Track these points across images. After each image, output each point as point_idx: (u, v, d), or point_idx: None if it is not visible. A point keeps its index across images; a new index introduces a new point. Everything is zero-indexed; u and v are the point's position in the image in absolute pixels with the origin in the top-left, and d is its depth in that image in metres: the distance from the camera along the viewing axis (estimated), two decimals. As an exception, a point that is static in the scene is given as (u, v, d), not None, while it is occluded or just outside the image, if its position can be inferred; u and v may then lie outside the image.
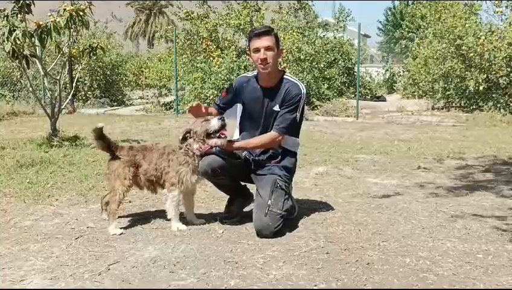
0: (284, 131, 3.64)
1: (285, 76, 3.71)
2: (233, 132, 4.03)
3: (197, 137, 3.55)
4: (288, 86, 3.63)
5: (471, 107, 12.84)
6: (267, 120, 3.71)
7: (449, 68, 12.99)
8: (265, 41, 3.55)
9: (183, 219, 3.74)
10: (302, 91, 3.64)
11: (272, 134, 3.65)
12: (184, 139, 3.61)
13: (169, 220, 3.65)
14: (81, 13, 7.00)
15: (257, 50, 3.57)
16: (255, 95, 3.72)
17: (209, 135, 3.53)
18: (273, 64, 3.60)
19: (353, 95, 15.07)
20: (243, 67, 12.92)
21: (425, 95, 14.60)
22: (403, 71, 17.91)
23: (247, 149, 3.75)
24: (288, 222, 3.66)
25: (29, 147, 7.15)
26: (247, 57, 12.92)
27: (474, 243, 3.34)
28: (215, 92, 12.69)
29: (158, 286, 2.70)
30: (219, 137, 3.53)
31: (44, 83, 8.47)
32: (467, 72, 12.66)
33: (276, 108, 3.65)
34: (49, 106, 8.05)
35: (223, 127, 3.53)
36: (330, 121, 11.19)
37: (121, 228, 3.60)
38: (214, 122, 3.53)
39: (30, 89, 8.80)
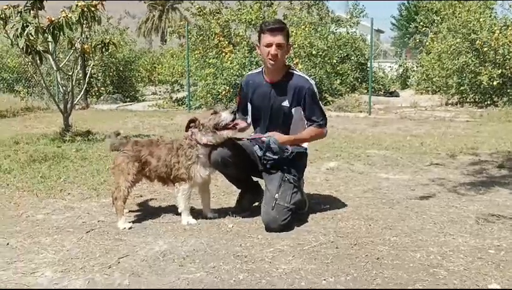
0: (325, 121, 3.71)
1: (290, 70, 3.70)
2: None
3: (204, 129, 3.54)
4: (296, 82, 3.62)
5: (486, 103, 12.69)
6: (273, 115, 3.70)
7: (463, 63, 12.84)
8: (278, 38, 3.53)
9: (193, 213, 3.75)
10: (312, 82, 3.65)
11: (317, 129, 3.68)
12: (188, 128, 3.61)
13: (179, 214, 3.66)
14: (92, 9, 7.03)
15: (269, 45, 3.56)
16: (262, 91, 3.72)
17: (219, 128, 3.52)
18: (282, 60, 3.60)
19: (366, 91, 14.96)
20: (254, 63, 12.89)
21: (439, 91, 14.47)
22: (417, 66, 17.74)
23: (296, 142, 3.74)
24: (298, 216, 3.66)
25: (43, 142, 7.23)
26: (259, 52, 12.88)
27: (486, 239, 3.30)
28: (227, 87, 12.69)
29: (168, 280, 2.72)
30: (231, 128, 3.53)
31: (57, 79, 8.52)
32: (481, 67, 12.51)
33: (286, 104, 3.64)
34: (62, 102, 8.12)
35: (233, 120, 3.53)
36: (342, 117, 11.13)
37: (131, 222, 3.62)
38: (226, 115, 3.51)
39: (43, 85, 8.86)
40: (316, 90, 3.65)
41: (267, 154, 3.69)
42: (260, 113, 3.77)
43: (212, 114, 3.55)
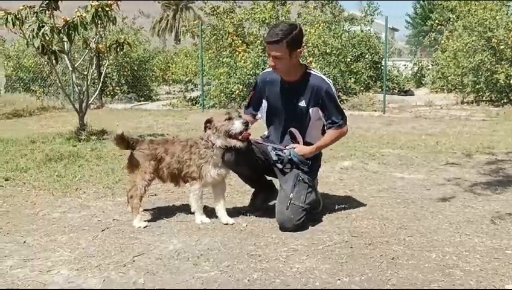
0: (345, 120, 3.72)
1: (308, 70, 3.69)
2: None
3: (217, 132, 3.54)
4: (314, 82, 3.61)
5: (502, 101, 12.53)
6: (289, 115, 3.70)
7: (479, 61, 12.69)
8: (274, 50, 3.50)
9: (207, 211, 3.76)
10: (329, 82, 3.64)
11: (338, 130, 3.69)
12: (205, 128, 3.62)
13: (193, 213, 3.68)
14: (107, 9, 7.08)
15: (269, 55, 3.58)
16: (278, 90, 3.71)
17: (230, 135, 3.52)
18: (284, 69, 3.59)
19: (380, 89, 14.86)
20: (268, 62, 12.89)
21: (454, 89, 14.31)
22: (432, 65, 17.57)
23: (319, 150, 3.76)
24: (312, 216, 3.66)
25: (58, 141, 7.31)
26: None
27: (503, 239, 3.27)
28: (241, 86, 12.70)
29: (182, 278, 2.73)
30: (241, 140, 3.50)
31: (72, 79, 8.60)
32: (497, 65, 12.35)
33: (302, 104, 3.63)
34: (77, 101, 8.19)
35: (244, 131, 3.50)
36: (356, 116, 11.08)
37: (146, 221, 3.65)
38: (237, 126, 3.48)
39: (59, 84, 8.96)
40: (334, 90, 3.64)
41: (286, 166, 3.67)
42: (276, 111, 3.76)
43: (226, 119, 3.52)
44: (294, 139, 3.71)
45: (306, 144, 3.70)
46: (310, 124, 3.69)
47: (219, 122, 3.53)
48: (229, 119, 3.52)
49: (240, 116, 3.58)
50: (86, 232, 3.48)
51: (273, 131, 3.84)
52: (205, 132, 3.61)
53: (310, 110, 3.64)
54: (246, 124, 3.51)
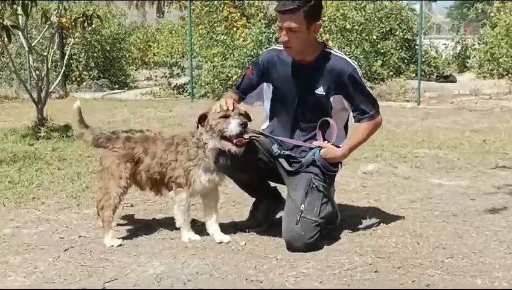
0: (378, 108, 3.73)
1: (326, 49, 3.69)
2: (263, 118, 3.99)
3: (210, 130, 3.53)
4: (334, 64, 3.61)
5: None
6: (302, 104, 3.70)
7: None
8: (288, 20, 3.49)
9: (197, 227, 3.76)
10: (354, 64, 3.65)
11: (372, 122, 3.70)
12: (199, 124, 3.62)
13: (179, 229, 3.69)
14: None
15: (280, 29, 3.57)
16: (288, 72, 3.71)
17: (224, 137, 3.50)
18: (298, 47, 3.58)
19: (414, 75, 14.87)
20: (273, 40, 12.90)
21: (506, 74, 14.31)
22: (479, 44, 17.58)
23: (353, 150, 3.79)
24: (327, 232, 3.65)
25: (11, 139, 7.33)
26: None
27: None
28: (239, 70, 12.71)
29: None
30: (235, 144, 3.47)
31: (29, 61, 8.63)
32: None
33: (320, 91, 3.64)
34: (35, 89, 8.20)
35: (241, 135, 3.48)
36: (384, 107, 11.05)
37: (120, 238, 3.66)
38: (232, 127, 3.45)
39: (12, 68, 8.96)
40: (360, 74, 3.65)
41: (309, 167, 3.67)
42: (284, 100, 3.76)
43: (221, 117, 3.50)
44: (320, 135, 3.72)
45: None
46: (333, 116, 3.70)
47: (214, 120, 3.52)
48: (225, 117, 3.49)
49: (241, 114, 3.53)
50: (45, 253, 3.48)
51: (278, 124, 3.84)
52: (197, 126, 3.62)
53: (332, 98, 3.65)
54: (244, 126, 3.47)
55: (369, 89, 3.77)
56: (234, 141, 3.47)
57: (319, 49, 3.67)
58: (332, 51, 3.70)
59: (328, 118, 3.68)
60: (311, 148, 3.68)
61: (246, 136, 3.54)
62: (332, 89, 3.63)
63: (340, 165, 3.87)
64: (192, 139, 3.61)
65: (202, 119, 3.60)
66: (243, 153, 3.51)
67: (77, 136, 3.79)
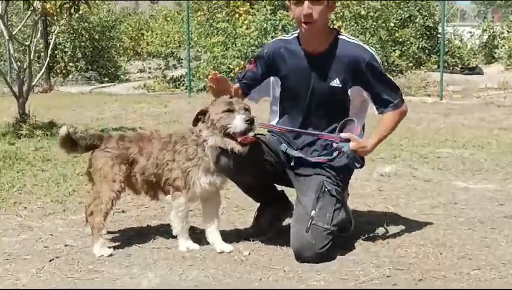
0: (402, 96, 3.74)
1: (340, 36, 3.69)
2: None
3: (212, 126, 3.52)
4: (348, 51, 3.61)
5: None
6: (316, 99, 3.70)
7: None
8: None
9: (195, 235, 3.77)
10: (371, 51, 3.65)
11: (397, 111, 3.70)
12: (196, 121, 3.61)
13: (175, 237, 3.69)
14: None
15: (299, 2, 3.56)
16: (299, 64, 3.70)
17: (227, 134, 3.48)
18: (321, 23, 3.58)
19: (435, 66, 14.86)
20: (280, 28, 12.90)
21: (539, 66, 14.28)
22: (508, 31, 17.55)
23: (381, 142, 3.77)
24: (340, 240, 3.65)
25: (-10, 138, 7.35)
26: (287, 13, 12.89)
27: None
28: (242, 62, 12.72)
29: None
30: (240, 143, 3.44)
31: (9, 51, 8.64)
32: None
33: (336, 83, 3.64)
34: (16, 83, 8.21)
35: (246, 132, 3.45)
36: (402, 103, 11.11)
37: (111, 247, 3.65)
38: (237, 123, 3.42)
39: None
40: (379, 61, 3.65)
41: (321, 169, 3.67)
42: (296, 95, 3.75)
43: (225, 111, 3.48)
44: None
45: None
46: (352, 110, 3.71)
47: (217, 115, 3.50)
48: (229, 111, 3.47)
49: (247, 110, 3.51)
50: (28, 263, 3.48)
51: (288, 122, 3.83)
52: (193, 124, 3.61)
53: (350, 90, 3.65)
54: (250, 122, 3.43)
55: (390, 77, 3.77)
56: (239, 139, 3.45)
57: (332, 36, 3.67)
58: (346, 38, 3.70)
59: (353, 118, 3.66)
60: (332, 143, 3.66)
61: (251, 133, 3.51)
62: (349, 80, 3.62)
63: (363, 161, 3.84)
64: (191, 136, 3.60)
65: (202, 114, 3.58)
66: (247, 153, 3.50)
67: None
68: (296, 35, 3.76)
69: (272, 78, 3.85)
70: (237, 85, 3.89)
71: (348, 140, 3.57)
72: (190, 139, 3.59)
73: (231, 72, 12.85)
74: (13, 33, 8.23)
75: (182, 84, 14.39)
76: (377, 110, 3.72)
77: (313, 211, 3.51)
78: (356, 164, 3.63)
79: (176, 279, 3.23)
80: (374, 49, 3.71)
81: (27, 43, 8.28)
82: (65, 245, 3.78)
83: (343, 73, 3.61)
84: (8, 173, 5.57)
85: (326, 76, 3.65)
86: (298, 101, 3.75)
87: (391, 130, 3.78)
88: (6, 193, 4.93)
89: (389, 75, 3.76)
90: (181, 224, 3.64)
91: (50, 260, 3.52)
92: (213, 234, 3.70)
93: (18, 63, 8.20)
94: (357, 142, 3.58)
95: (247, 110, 3.50)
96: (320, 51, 3.66)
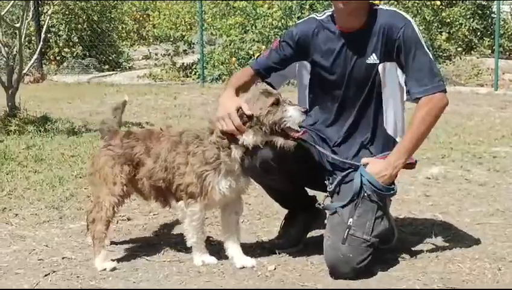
0: (441, 83, 3.61)
1: (377, 8, 3.69)
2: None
3: (257, 123, 3.46)
4: (383, 20, 3.60)
5: None
6: (352, 83, 3.69)
7: None
8: None
9: (212, 246, 3.77)
10: (409, 19, 3.61)
11: (432, 102, 3.56)
12: (243, 120, 3.47)
13: (189, 248, 3.69)
14: None
15: None
16: (333, 46, 3.70)
17: (278, 130, 3.45)
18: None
19: (489, 51, 14.76)
20: (307, 7, 12.88)
21: None
22: None
23: (415, 148, 3.64)
24: (381, 254, 3.64)
25: (-26, 134, 7.40)
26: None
27: None
28: (263, 46, 12.69)
29: None
30: (293, 138, 3.46)
31: (-3, 35, 8.69)
32: None
33: (372, 60, 3.63)
34: (4, 71, 8.27)
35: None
36: (452, 93, 10.96)
37: (114, 260, 3.66)
38: (296, 115, 3.43)
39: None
40: (417, 31, 3.60)
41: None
42: (330, 82, 3.74)
43: (273, 104, 3.46)
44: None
45: (384, 138, 3.72)
46: (384, 94, 3.68)
47: (260, 110, 3.47)
48: (276, 104, 3.45)
49: (290, 102, 3.51)
50: (20, 278, 3.50)
51: (321, 113, 3.84)
52: (244, 126, 3.48)
53: (380, 66, 3.62)
54: (306, 112, 3.48)
55: (431, 55, 3.66)
56: (295, 135, 3.46)
57: (369, 10, 3.66)
58: (382, 7, 3.70)
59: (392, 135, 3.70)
60: (354, 167, 3.63)
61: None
62: (382, 52, 3.61)
63: (394, 185, 3.70)
64: (209, 137, 3.56)
65: (242, 111, 3.48)
66: (275, 151, 3.50)
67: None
68: (330, 13, 3.76)
69: (297, 63, 3.85)
70: (254, 69, 3.88)
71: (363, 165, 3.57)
72: (208, 141, 3.54)
73: (250, 58, 12.81)
74: (1, 14, 8.26)
75: (193, 73, 14.39)
76: (410, 95, 3.64)
77: (350, 220, 3.49)
78: (382, 192, 3.54)
79: (191, 297, 3.25)
80: (412, 19, 3.66)
81: (17, 25, 8.33)
82: (62, 258, 3.79)
83: (379, 45, 3.61)
84: (-5, 175, 5.61)
85: (363, 53, 3.65)
86: (332, 88, 3.75)
87: (424, 132, 3.62)
88: (-6, 198, 4.98)
89: (430, 54, 3.65)
90: (196, 234, 3.62)
91: (45, 275, 3.53)
92: (233, 246, 3.69)
93: (6, 49, 8.25)
94: (371, 165, 3.55)
95: (291, 102, 3.52)
96: (357, 27, 3.65)
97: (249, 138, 3.46)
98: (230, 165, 3.49)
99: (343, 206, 3.52)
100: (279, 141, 3.44)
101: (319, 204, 3.68)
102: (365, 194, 3.53)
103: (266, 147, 3.51)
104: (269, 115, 3.42)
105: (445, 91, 3.62)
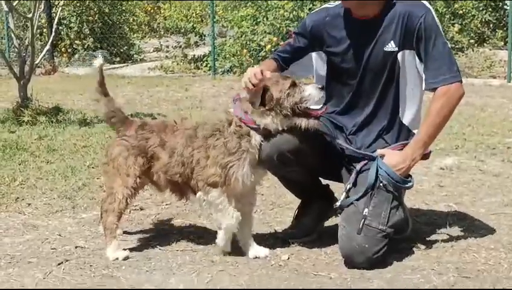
0: (458, 73, 3.61)
1: None
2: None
3: (277, 107, 3.44)
4: (401, 8, 3.57)
5: None
6: (369, 70, 3.67)
7: None
8: None
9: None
10: (429, 7, 3.58)
11: (448, 92, 3.55)
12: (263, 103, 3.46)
13: (201, 238, 3.72)
14: None
15: None
16: (348, 34, 3.69)
17: (300, 111, 3.44)
18: None
19: (502, 43, 14.70)
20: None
21: None
22: None
23: (432, 138, 3.66)
24: (396, 244, 3.63)
25: (-14, 125, 7.44)
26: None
27: None
28: (274, 38, 12.67)
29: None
30: (314, 116, 3.46)
31: (9, 26, 8.71)
32: None
33: (391, 47, 3.60)
34: (16, 63, 8.27)
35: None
36: (465, 85, 10.94)
37: (127, 249, 3.67)
38: (314, 92, 3.45)
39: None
40: (436, 20, 3.57)
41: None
42: (346, 71, 3.74)
43: (291, 86, 3.45)
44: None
45: (400, 128, 3.70)
46: (402, 83, 3.65)
47: (279, 92, 3.45)
48: (294, 85, 3.47)
49: (306, 83, 3.53)
50: (34, 267, 3.51)
51: (337, 101, 3.82)
52: (264, 107, 3.45)
53: (400, 55, 3.60)
54: (323, 89, 3.50)
55: (449, 46, 3.64)
56: (316, 113, 3.47)
57: None
58: None
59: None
60: (369, 158, 3.62)
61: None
62: (402, 40, 3.58)
63: (410, 178, 3.69)
64: (229, 128, 3.51)
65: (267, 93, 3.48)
66: (292, 140, 3.49)
67: (92, 103, 3.78)
68: None
69: (313, 54, 3.84)
70: (274, 60, 3.89)
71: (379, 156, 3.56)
72: (228, 132, 3.50)
73: (262, 50, 12.81)
74: (13, 5, 8.27)
75: (204, 65, 14.38)
76: (425, 85, 3.60)
77: (366, 210, 3.48)
78: (400, 184, 3.55)
79: (203, 287, 3.23)
80: (431, 7, 3.62)
81: (29, 16, 8.32)
82: (75, 247, 3.80)
83: (397, 33, 3.58)
84: (8, 165, 5.62)
85: (380, 41, 3.62)
86: (349, 77, 3.74)
87: (440, 123, 3.62)
88: (7, 188, 4.98)
89: (448, 43, 3.64)
90: (225, 216, 3.52)
91: (58, 264, 3.54)
92: (246, 237, 3.67)
93: (18, 41, 8.25)
94: (387, 157, 3.54)
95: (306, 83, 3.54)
96: (372, 15, 3.63)
97: (265, 120, 3.44)
98: (253, 153, 3.47)
99: (358, 199, 3.51)
100: (303, 122, 3.43)
101: (335, 205, 3.67)
102: (381, 184, 3.51)
103: (283, 137, 3.48)
104: (289, 96, 3.41)
105: (461, 81, 3.62)
